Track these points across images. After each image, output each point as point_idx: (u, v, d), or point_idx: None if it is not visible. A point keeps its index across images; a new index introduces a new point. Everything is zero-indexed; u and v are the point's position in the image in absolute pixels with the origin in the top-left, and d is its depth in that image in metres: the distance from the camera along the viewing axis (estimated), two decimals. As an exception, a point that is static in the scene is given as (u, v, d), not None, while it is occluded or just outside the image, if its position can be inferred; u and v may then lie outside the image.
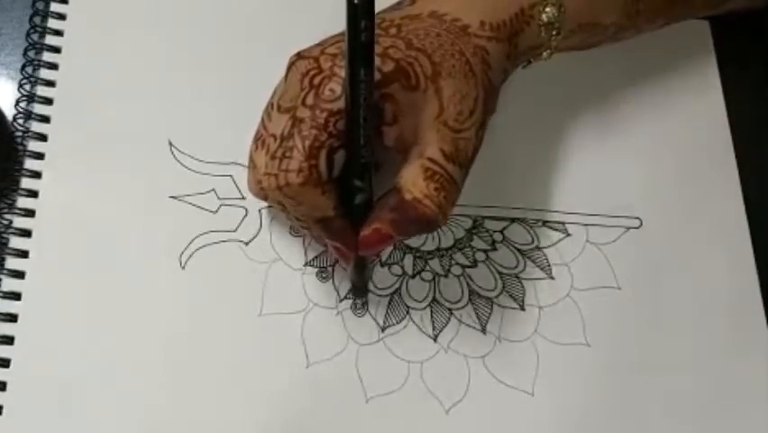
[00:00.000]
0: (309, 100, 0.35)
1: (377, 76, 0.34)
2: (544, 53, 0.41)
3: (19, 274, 0.41)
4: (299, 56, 0.37)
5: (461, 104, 0.36)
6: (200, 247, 0.43)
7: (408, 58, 0.36)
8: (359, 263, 0.40)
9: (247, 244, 0.43)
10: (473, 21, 0.38)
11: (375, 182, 0.36)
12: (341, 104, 0.34)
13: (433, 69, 0.36)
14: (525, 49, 0.40)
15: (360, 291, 0.43)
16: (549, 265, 0.45)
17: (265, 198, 0.39)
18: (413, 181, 0.36)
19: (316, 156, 0.34)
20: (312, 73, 0.36)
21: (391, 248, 0.44)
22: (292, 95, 0.36)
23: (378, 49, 0.34)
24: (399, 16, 0.38)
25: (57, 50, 0.45)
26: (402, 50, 0.36)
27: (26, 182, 0.43)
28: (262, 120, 0.39)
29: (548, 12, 0.39)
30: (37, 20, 0.46)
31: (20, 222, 0.42)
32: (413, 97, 0.35)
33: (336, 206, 0.36)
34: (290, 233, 0.44)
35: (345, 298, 0.43)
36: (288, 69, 0.38)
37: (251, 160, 0.39)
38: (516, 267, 0.45)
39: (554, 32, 0.40)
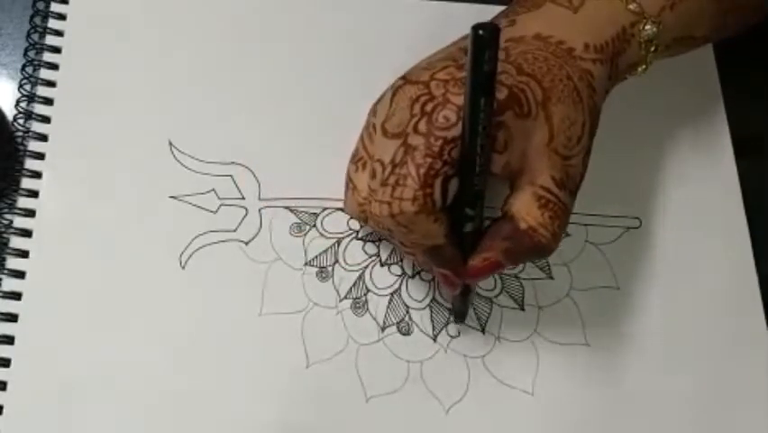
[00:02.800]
0: (422, 127, 0.35)
1: None
2: (640, 69, 0.41)
3: (19, 274, 0.41)
4: (406, 80, 0.37)
5: (570, 130, 0.36)
6: (200, 247, 0.43)
7: (520, 84, 0.36)
8: (464, 291, 0.40)
9: (247, 244, 0.43)
10: (578, 43, 0.38)
11: None
12: (455, 132, 0.34)
13: (543, 94, 0.36)
14: (624, 67, 0.40)
15: (461, 316, 0.43)
16: (548, 265, 0.45)
17: (365, 222, 0.40)
18: (527, 210, 0.36)
19: (431, 184, 0.34)
20: (423, 99, 0.35)
21: (391, 248, 0.44)
22: (400, 120, 0.36)
23: None
24: (504, 39, 0.38)
25: (57, 50, 0.45)
26: (513, 76, 0.36)
27: (26, 182, 0.43)
28: (362, 141, 0.39)
29: (647, 29, 0.39)
30: (37, 20, 0.46)
31: (20, 222, 0.42)
32: (524, 125, 0.35)
33: (447, 234, 0.36)
34: (290, 233, 0.44)
35: (345, 297, 0.43)
36: (394, 92, 0.37)
37: (351, 181, 0.39)
38: (515, 267, 0.45)
39: (653, 49, 0.40)
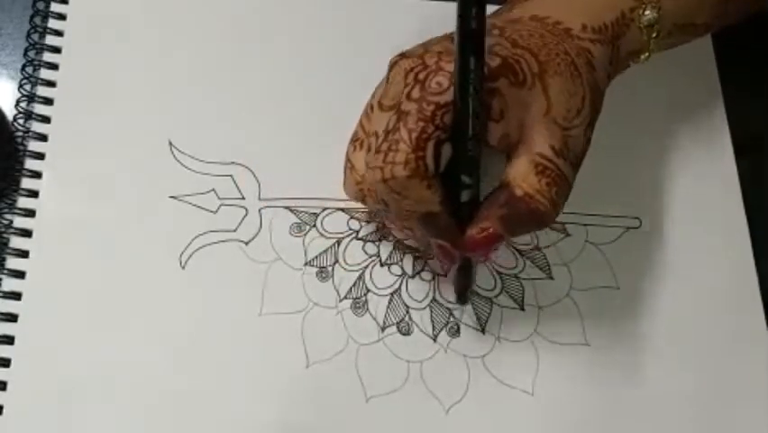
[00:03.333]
0: (415, 94, 0.35)
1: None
2: (643, 56, 0.41)
3: (19, 274, 0.41)
4: (402, 56, 0.37)
5: (569, 102, 0.36)
6: (200, 247, 0.43)
7: (515, 55, 0.36)
8: (464, 266, 0.39)
9: (247, 243, 0.43)
10: (575, 24, 0.38)
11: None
12: (448, 96, 0.34)
13: (539, 66, 0.36)
14: (626, 53, 0.40)
15: (462, 297, 0.42)
16: (548, 265, 0.45)
17: (363, 201, 0.39)
18: (523, 177, 0.36)
19: (423, 148, 0.34)
20: (417, 69, 0.36)
21: (391, 248, 0.44)
22: (395, 92, 0.36)
23: None
24: (501, 20, 0.38)
25: (57, 50, 0.45)
26: (508, 49, 0.36)
27: (26, 182, 0.43)
28: (360, 122, 0.39)
29: (647, 14, 0.39)
30: (37, 20, 0.46)
31: (20, 222, 0.42)
32: (520, 94, 0.35)
33: (443, 201, 0.36)
34: (290, 233, 0.44)
35: (345, 298, 0.43)
36: (390, 68, 0.38)
37: (349, 161, 0.39)
38: (515, 267, 0.45)
39: (654, 35, 0.40)
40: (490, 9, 0.43)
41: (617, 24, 0.39)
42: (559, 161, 0.36)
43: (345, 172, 0.40)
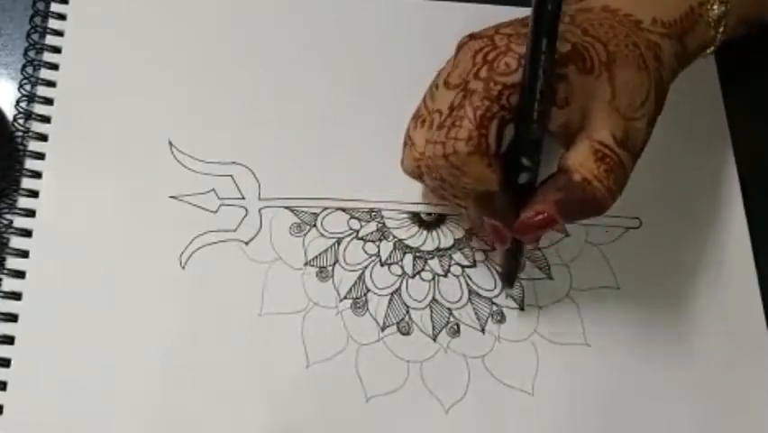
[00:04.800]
0: (483, 73, 0.35)
1: None
2: (708, 50, 0.41)
3: (19, 274, 0.41)
4: (472, 37, 0.38)
5: (634, 93, 0.37)
6: (200, 247, 0.43)
7: (584, 43, 0.36)
8: (514, 248, 0.40)
9: (247, 243, 0.43)
10: (645, 17, 0.39)
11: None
12: (515, 78, 0.35)
13: (607, 56, 0.36)
14: (693, 48, 0.40)
15: (509, 280, 0.43)
16: (548, 265, 0.45)
17: (419, 178, 0.40)
18: (582, 162, 0.36)
19: (487, 126, 0.35)
20: (486, 50, 0.36)
21: (391, 248, 0.44)
22: (462, 71, 0.37)
23: None
24: (572, 8, 0.39)
25: (57, 50, 0.46)
26: (578, 36, 0.36)
27: (26, 182, 0.43)
28: (424, 100, 0.40)
29: (716, 9, 0.40)
30: (37, 20, 0.46)
31: (20, 222, 0.42)
32: (586, 81, 0.36)
33: (501, 183, 0.36)
34: (290, 233, 0.44)
35: (345, 297, 0.43)
36: (459, 48, 0.38)
37: (409, 138, 0.40)
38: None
39: (721, 29, 0.40)
40: (491, 11, 0.43)
41: (686, 19, 0.39)
42: (619, 149, 0.36)
43: (404, 149, 0.41)
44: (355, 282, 0.43)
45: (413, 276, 0.44)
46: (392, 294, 0.43)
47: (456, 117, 0.35)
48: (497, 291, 0.44)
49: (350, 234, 0.44)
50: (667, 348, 0.44)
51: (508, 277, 0.43)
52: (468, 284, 0.44)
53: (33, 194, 0.42)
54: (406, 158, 0.41)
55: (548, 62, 0.33)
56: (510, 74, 0.35)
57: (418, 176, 0.40)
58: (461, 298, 0.44)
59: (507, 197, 0.37)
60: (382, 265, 0.44)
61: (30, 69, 0.45)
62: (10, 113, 0.44)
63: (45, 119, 0.44)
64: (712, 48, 0.41)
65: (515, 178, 0.36)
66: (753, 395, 0.44)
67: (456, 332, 0.43)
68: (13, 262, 0.41)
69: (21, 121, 0.44)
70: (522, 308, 0.44)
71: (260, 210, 0.44)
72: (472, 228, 0.44)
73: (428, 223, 0.45)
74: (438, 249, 0.45)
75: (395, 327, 0.43)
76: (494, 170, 0.35)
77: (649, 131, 0.38)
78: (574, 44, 0.36)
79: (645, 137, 0.38)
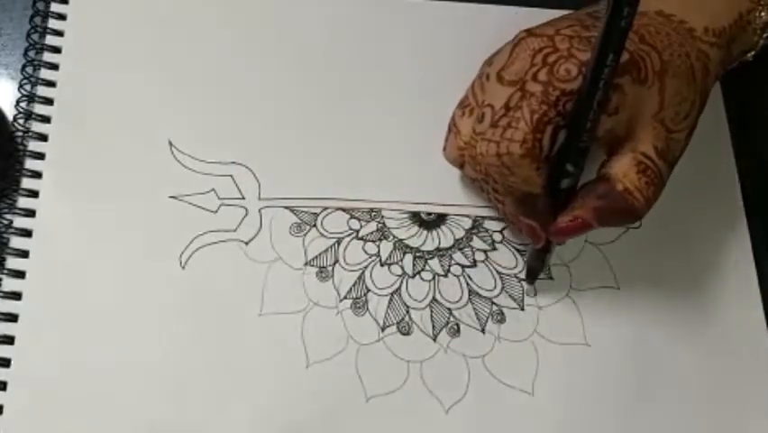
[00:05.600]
0: (542, 76, 0.36)
1: None
2: (749, 54, 0.42)
3: (19, 274, 0.41)
4: (530, 33, 0.38)
5: (680, 106, 0.37)
6: (200, 247, 0.43)
7: (641, 52, 0.36)
8: (544, 247, 0.40)
9: (247, 243, 0.43)
10: (698, 25, 0.39)
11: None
12: (574, 85, 0.35)
13: (661, 66, 0.37)
14: (737, 54, 0.41)
15: (533, 274, 0.43)
16: (548, 265, 0.45)
17: (461, 166, 0.41)
18: (624, 173, 0.37)
19: (542, 131, 0.35)
20: (546, 51, 0.37)
21: (391, 248, 0.44)
22: (519, 69, 0.37)
23: None
24: None
25: (57, 50, 0.46)
26: (636, 44, 0.37)
27: (26, 182, 0.43)
28: (472, 89, 0.41)
29: (763, 15, 0.40)
30: (37, 20, 0.46)
31: (20, 222, 0.42)
32: (638, 91, 0.36)
33: (544, 185, 0.37)
34: (290, 233, 0.44)
35: (345, 297, 0.43)
36: (516, 44, 0.38)
37: (455, 126, 0.41)
38: (515, 267, 0.45)
39: (765, 35, 0.41)
40: (491, 11, 0.43)
41: (735, 26, 0.40)
42: (659, 161, 0.37)
43: (448, 136, 0.42)
44: (355, 282, 0.43)
45: (413, 276, 0.44)
46: (392, 294, 0.43)
47: (512, 118, 0.36)
48: (497, 291, 0.44)
49: (350, 234, 0.44)
50: (667, 348, 0.44)
51: (531, 272, 0.43)
52: (468, 284, 0.44)
53: (33, 194, 0.42)
54: (449, 145, 0.42)
55: (609, 75, 0.33)
56: (570, 81, 0.35)
57: (460, 164, 0.41)
58: (461, 298, 0.44)
59: (546, 200, 0.38)
60: (382, 265, 0.44)
61: (30, 69, 0.45)
62: (10, 113, 0.44)
63: (45, 119, 0.44)
64: (753, 52, 0.41)
65: (557, 182, 0.37)
66: (753, 395, 0.44)
67: (456, 332, 0.43)
68: (13, 262, 0.41)
69: (21, 121, 0.44)
70: (522, 308, 0.44)
71: (260, 210, 0.44)
72: (504, 220, 0.45)
73: (428, 223, 0.45)
74: (438, 249, 0.45)
75: (395, 327, 0.43)
76: (541, 173, 0.36)
77: (687, 141, 0.39)
78: (631, 53, 0.36)
79: (683, 148, 0.39)
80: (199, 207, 0.44)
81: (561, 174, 0.37)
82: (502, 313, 0.44)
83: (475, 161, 0.38)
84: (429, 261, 0.44)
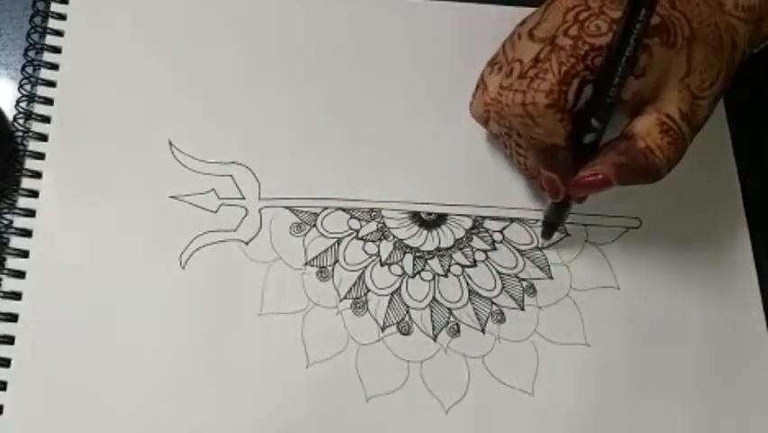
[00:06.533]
0: (572, 31, 0.37)
1: None
2: None
3: (19, 274, 0.41)
4: None
5: (706, 73, 0.38)
6: (200, 247, 0.43)
7: (672, 16, 0.37)
8: (563, 202, 0.41)
9: (247, 243, 0.43)
10: (729, 0, 0.40)
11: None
12: (603, 41, 0.36)
13: (690, 33, 0.37)
14: (766, 33, 0.41)
15: (549, 230, 0.44)
16: (548, 265, 0.45)
17: (485, 123, 0.42)
18: (647, 131, 0.38)
19: (569, 83, 0.36)
20: (578, 9, 0.38)
21: (391, 248, 0.44)
22: (550, 26, 0.38)
23: None
24: None
25: (57, 50, 0.46)
26: (667, 9, 0.37)
27: (26, 182, 0.43)
28: (503, 47, 0.42)
29: None
30: (37, 20, 0.46)
31: (20, 222, 0.42)
32: (667, 55, 0.37)
33: (567, 139, 0.38)
34: (290, 233, 0.44)
35: (345, 297, 0.43)
36: (549, 3, 0.40)
37: (483, 82, 0.42)
38: (515, 267, 0.45)
39: None
40: (492, 11, 0.43)
41: (765, 5, 0.40)
42: (683, 124, 0.38)
43: (475, 93, 0.43)
44: (355, 282, 0.43)
45: (413, 276, 0.44)
46: (392, 294, 0.43)
47: (540, 69, 0.37)
48: (497, 291, 0.44)
49: (350, 234, 0.44)
50: (667, 348, 0.44)
51: (549, 228, 0.44)
52: (468, 284, 0.44)
53: (33, 194, 0.42)
54: (476, 101, 0.42)
55: (640, 32, 0.34)
56: (600, 36, 0.36)
57: (485, 120, 0.42)
58: (461, 298, 0.44)
59: (569, 153, 0.38)
60: (382, 265, 0.44)
61: (30, 69, 0.45)
62: (10, 113, 0.44)
63: (45, 119, 0.44)
64: None
65: (581, 137, 0.38)
66: (753, 395, 0.44)
67: (456, 332, 0.43)
68: (13, 262, 0.41)
69: (21, 121, 0.44)
70: (522, 308, 0.44)
71: (260, 210, 0.44)
72: (526, 175, 0.45)
73: (428, 223, 0.45)
74: (438, 249, 0.45)
75: (395, 326, 0.43)
76: (565, 125, 0.37)
77: (713, 108, 0.39)
78: (662, 17, 0.37)
79: (708, 114, 0.39)
80: (199, 207, 0.44)
81: (585, 129, 0.38)
82: (502, 313, 0.44)
83: (500, 115, 0.39)
84: (429, 261, 0.44)
